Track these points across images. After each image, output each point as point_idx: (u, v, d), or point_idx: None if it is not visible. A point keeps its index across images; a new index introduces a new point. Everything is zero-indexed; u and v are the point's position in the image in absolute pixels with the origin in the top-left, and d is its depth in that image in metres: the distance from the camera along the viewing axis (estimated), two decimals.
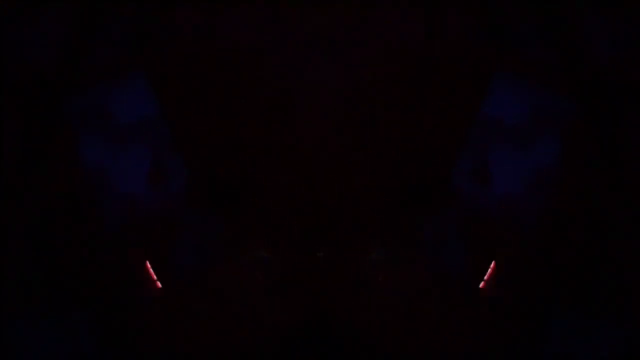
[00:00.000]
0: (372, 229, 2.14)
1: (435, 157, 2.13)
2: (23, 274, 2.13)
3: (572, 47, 2.18)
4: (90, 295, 2.13)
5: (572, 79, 2.17)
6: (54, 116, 2.18)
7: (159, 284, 2.11)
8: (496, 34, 2.20)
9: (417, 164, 2.14)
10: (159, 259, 2.13)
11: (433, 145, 2.13)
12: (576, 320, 2.09)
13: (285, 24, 2.15)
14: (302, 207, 2.13)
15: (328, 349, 2.12)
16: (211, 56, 2.14)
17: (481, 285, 2.10)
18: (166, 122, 2.12)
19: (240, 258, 2.14)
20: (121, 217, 2.10)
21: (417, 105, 2.12)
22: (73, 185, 2.12)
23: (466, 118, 2.12)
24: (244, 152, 2.13)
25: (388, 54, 2.14)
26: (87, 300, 2.13)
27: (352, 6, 2.16)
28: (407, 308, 2.11)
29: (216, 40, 2.15)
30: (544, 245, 2.10)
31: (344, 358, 2.11)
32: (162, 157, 2.12)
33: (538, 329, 2.10)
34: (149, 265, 2.10)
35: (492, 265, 2.10)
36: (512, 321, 2.12)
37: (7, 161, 2.17)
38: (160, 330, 2.13)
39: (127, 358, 2.13)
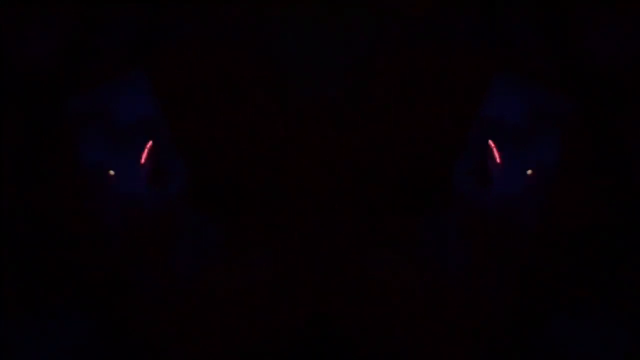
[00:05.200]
0: (372, 229, 2.15)
1: (435, 157, 2.14)
2: (23, 273, 2.13)
3: (572, 47, 2.18)
4: (90, 295, 2.13)
5: (572, 79, 2.17)
6: (54, 116, 2.18)
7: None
8: (497, 34, 2.20)
9: (417, 164, 2.14)
10: (158, 259, 2.13)
11: (433, 145, 2.13)
12: (576, 320, 2.09)
13: (287, 22, 2.15)
14: (301, 207, 2.13)
15: (329, 351, 2.12)
16: (211, 56, 2.14)
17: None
18: (166, 122, 2.12)
19: (241, 259, 2.14)
20: (121, 217, 2.10)
21: (416, 105, 2.12)
22: (73, 185, 2.12)
23: (466, 118, 2.12)
24: (244, 152, 2.13)
25: (387, 54, 2.14)
26: (87, 300, 2.13)
27: (352, 3, 2.17)
28: (408, 308, 2.12)
29: (216, 40, 2.15)
30: (544, 244, 2.11)
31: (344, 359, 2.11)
32: (162, 157, 2.12)
33: (538, 328, 2.10)
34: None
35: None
36: (513, 321, 2.12)
37: (6, 161, 2.17)
38: (160, 331, 2.13)
39: (127, 358, 2.14)
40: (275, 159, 2.13)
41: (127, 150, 2.10)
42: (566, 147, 2.12)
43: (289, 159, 2.13)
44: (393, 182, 2.14)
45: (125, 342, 2.14)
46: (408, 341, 2.13)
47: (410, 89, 2.12)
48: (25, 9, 2.20)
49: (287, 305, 2.12)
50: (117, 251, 2.11)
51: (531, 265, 2.11)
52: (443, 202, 2.13)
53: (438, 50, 2.14)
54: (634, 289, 2.13)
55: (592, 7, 2.17)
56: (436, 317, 2.11)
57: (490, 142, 2.00)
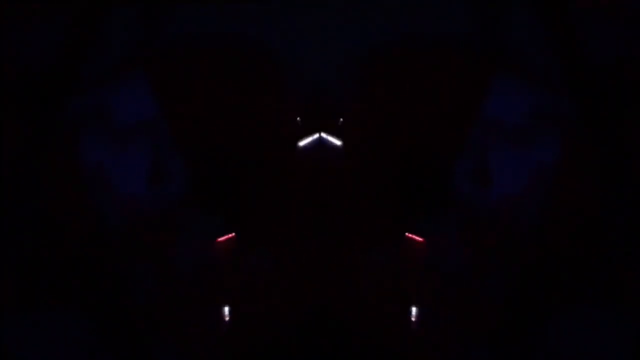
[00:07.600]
0: (372, 229, 2.15)
1: (435, 157, 2.13)
2: (22, 273, 2.13)
3: (571, 47, 2.18)
4: (89, 295, 2.13)
5: (572, 79, 2.17)
6: (54, 116, 2.18)
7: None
8: (496, 35, 2.20)
9: (417, 164, 2.14)
10: (158, 259, 2.13)
11: (433, 145, 2.13)
12: (576, 319, 2.09)
13: (287, 22, 2.15)
14: (301, 207, 2.13)
15: (328, 350, 2.12)
16: (211, 56, 2.14)
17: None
18: (166, 122, 2.12)
19: (240, 258, 2.14)
20: (121, 217, 2.10)
21: (416, 105, 2.12)
22: (73, 185, 2.12)
23: (466, 118, 2.12)
24: (244, 152, 2.13)
25: (386, 54, 2.14)
26: (87, 300, 2.13)
27: (351, 3, 2.17)
28: (407, 308, 2.11)
29: (216, 39, 2.15)
30: (544, 244, 2.10)
31: (344, 357, 2.11)
32: (162, 157, 2.12)
33: (538, 328, 2.10)
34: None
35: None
36: (513, 321, 2.12)
37: (6, 161, 2.17)
38: (159, 331, 2.13)
39: (126, 358, 2.13)
40: (275, 158, 2.13)
41: (127, 150, 2.10)
42: (566, 147, 2.12)
43: (289, 158, 2.13)
44: (393, 182, 2.14)
45: (125, 342, 2.14)
46: (408, 341, 2.13)
47: (410, 88, 2.12)
48: (25, 9, 2.19)
49: (287, 305, 2.12)
50: (117, 251, 2.11)
51: (532, 265, 2.11)
52: (443, 202, 2.13)
53: (438, 49, 2.14)
54: (634, 288, 2.13)
55: (593, 7, 2.17)
56: (436, 316, 2.11)
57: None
